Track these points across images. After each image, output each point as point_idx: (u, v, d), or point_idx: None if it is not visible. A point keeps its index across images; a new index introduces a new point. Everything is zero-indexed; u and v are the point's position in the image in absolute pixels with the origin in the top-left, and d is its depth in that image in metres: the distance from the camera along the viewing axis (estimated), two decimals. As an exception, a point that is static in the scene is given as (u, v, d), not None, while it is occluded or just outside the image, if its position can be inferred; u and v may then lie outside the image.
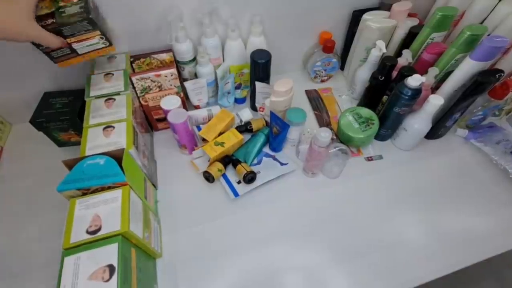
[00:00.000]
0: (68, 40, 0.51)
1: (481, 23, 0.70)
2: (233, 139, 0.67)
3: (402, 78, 0.63)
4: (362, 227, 0.60)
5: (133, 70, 0.68)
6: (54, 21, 0.48)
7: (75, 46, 0.53)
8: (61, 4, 0.50)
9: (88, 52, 0.55)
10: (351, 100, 0.84)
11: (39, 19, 0.47)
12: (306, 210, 0.63)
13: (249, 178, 0.62)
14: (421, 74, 0.61)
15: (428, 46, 0.71)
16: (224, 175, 0.66)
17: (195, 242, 0.58)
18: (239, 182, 0.65)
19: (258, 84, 0.71)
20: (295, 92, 0.67)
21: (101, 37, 0.54)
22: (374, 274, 0.55)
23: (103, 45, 0.55)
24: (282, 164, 0.68)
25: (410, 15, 0.75)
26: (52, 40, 0.48)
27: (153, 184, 0.63)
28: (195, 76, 0.74)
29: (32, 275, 0.53)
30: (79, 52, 0.54)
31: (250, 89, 0.77)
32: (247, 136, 0.73)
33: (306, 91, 0.87)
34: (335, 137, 0.74)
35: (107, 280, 0.37)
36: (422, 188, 0.67)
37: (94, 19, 0.50)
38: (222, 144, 0.65)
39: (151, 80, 0.64)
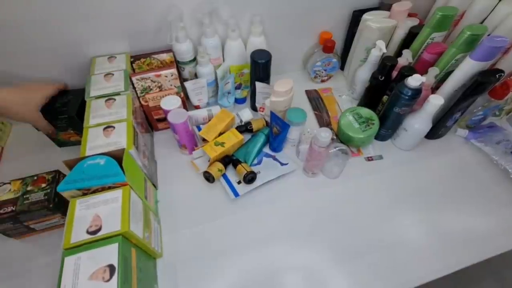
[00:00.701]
0: (25, 223, 0.52)
1: (481, 23, 0.70)
2: (233, 139, 0.67)
3: (402, 78, 0.63)
4: (362, 227, 0.60)
5: (133, 70, 0.68)
6: (14, 209, 0.49)
7: (32, 226, 0.53)
8: (29, 188, 0.51)
9: (46, 228, 0.55)
10: (351, 100, 0.84)
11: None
12: (306, 210, 0.63)
13: (249, 178, 0.62)
14: (421, 74, 0.61)
15: (428, 46, 0.71)
16: (224, 175, 0.66)
17: (195, 242, 0.58)
18: (239, 182, 0.65)
19: (258, 84, 0.72)
20: (295, 92, 0.67)
21: (62, 217, 0.53)
22: (374, 274, 0.55)
23: (63, 222, 0.53)
24: (282, 164, 0.68)
25: (410, 15, 0.75)
26: (45, 129, 0.63)
27: (153, 184, 0.63)
28: (195, 76, 0.74)
29: (32, 275, 0.53)
30: (36, 229, 0.55)
31: (250, 89, 0.78)
32: (247, 136, 0.73)
33: (306, 91, 0.87)
34: (335, 137, 0.74)
35: (108, 280, 0.37)
36: (422, 188, 0.67)
37: (56, 205, 0.50)
38: (222, 144, 0.65)
39: (151, 80, 0.64)
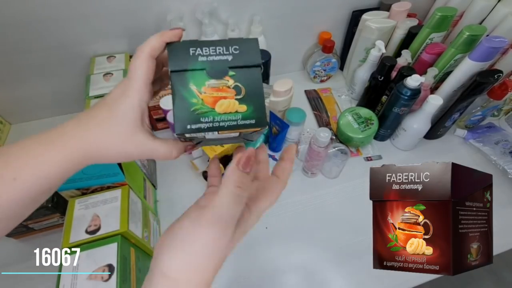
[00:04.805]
0: (24, 223, 0.51)
1: (480, 23, 0.70)
2: (232, 139, 0.66)
3: (402, 78, 0.64)
4: (362, 227, 0.60)
5: (133, 70, 0.68)
6: None
7: (31, 225, 0.52)
8: None
9: (45, 228, 0.55)
10: (350, 100, 0.84)
11: None
12: (305, 210, 0.63)
13: (249, 178, 0.62)
14: (420, 74, 0.61)
15: (428, 46, 0.71)
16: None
17: (195, 242, 0.58)
18: (238, 182, 0.64)
19: (257, 84, 0.71)
20: (294, 92, 0.67)
21: (60, 217, 0.53)
22: (373, 274, 0.54)
23: (62, 221, 0.53)
24: (281, 164, 0.68)
25: (409, 15, 0.76)
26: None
27: (153, 184, 0.63)
28: (195, 76, 0.74)
29: (31, 275, 0.53)
30: (35, 229, 0.54)
31: (250, 89, 0.77)
32: (247, 136, 0.73)
33: (305, 91, 0.87)
34: (334, 137, 0.74)
35: (107, 280, 0.37)
36: (421, 188, 0.67)
37: (55, 205, 0.50)
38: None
39: (151, 80, 0.64)
